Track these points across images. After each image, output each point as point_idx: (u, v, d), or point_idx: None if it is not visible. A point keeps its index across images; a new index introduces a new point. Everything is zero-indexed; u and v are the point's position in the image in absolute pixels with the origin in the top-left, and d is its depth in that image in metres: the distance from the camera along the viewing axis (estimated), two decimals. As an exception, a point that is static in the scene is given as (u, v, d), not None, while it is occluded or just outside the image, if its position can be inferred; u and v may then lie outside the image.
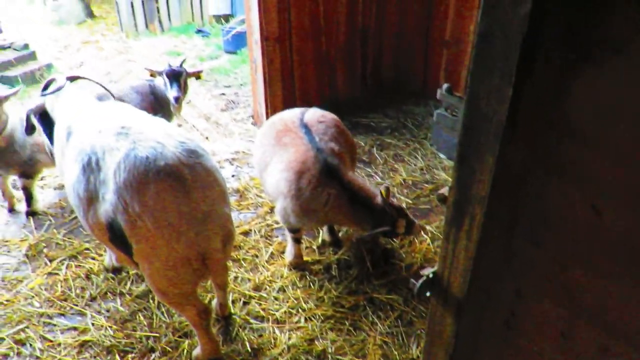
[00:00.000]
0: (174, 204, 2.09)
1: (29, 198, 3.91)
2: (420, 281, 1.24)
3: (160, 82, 4.22)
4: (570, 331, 1.19)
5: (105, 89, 3.40)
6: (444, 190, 3.52)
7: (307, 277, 3.26)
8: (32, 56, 8.14)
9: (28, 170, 3.81)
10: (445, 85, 4.54)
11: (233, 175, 4.46)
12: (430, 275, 1.27)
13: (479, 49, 0.91)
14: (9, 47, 8.03)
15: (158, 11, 10.39)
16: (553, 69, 0.89)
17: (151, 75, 4.27)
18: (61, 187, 4.29)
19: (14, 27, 10.18)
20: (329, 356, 2.70)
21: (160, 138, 2.20)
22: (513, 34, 0.84)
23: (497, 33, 0.85)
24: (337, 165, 2.87)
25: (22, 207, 3.99)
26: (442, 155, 4.76)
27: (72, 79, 3.15)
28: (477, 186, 1.04)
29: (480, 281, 1.22)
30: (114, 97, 3.42)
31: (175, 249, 2.13)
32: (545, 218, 1.09)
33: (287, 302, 3.06)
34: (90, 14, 11.40)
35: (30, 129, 3.08)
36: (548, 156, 0.98)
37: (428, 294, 1.31)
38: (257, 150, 3.25)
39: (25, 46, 8.18)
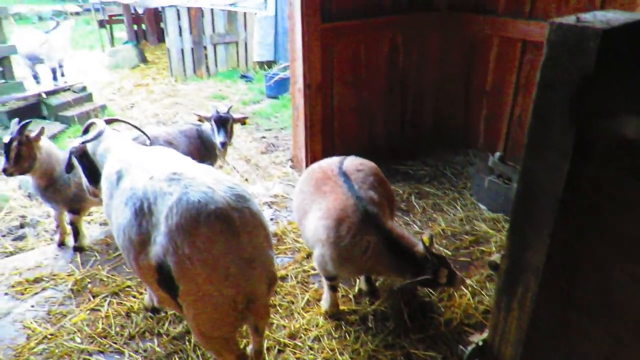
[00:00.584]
0: (223, 247, 2.15)
1: (76, 233, 4.09)
2: (470, 348, 1.21)
3: (207, 127, 4.41)
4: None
5: (142, 131, 3.58)
6: (495, 257, 3.47)
7: (343, 327, 3.20)
8: (88, 98, 8.71)
9: (74, 206, 4.02)
10: (497, 154, 4.60)
11: (271, 219, 4.52)
12: (480, 343, 1.24)
13: (535, 123, 0.92)
14: (69, 89, 8.64)
15: (206, 57, 10.99)
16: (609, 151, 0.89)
17: (199, 120, 4.48)
18: (107, 223, 4.47)
19: (74, 71, 10.98)
20: (364, 414, 2.61)
21: (211, 183, 2.29)
22: (570, 115, 0.85)
23: (556, 108, 0.87)
24: (377, 214, 2.88)
25: (71, 241, 4.17)
26: (482, 206, 4.68)
27: (109, 122, 3.35)
28: (532, 256, 1.03)
29: (533, 353, 1.18)
30: (149, 139, 3.60)
31: (222, 291, 2.17)
32: (603, 291, 1.06)
33: (322, 352, 3.00)
34: (144, 60, 12.18)
35: (69, 168, 3.29)
36: (607, 230, 0.96)
37: (477, 362, 1.27)
38: (297, 197, 3.31)
39: (83, 88, 8.79)
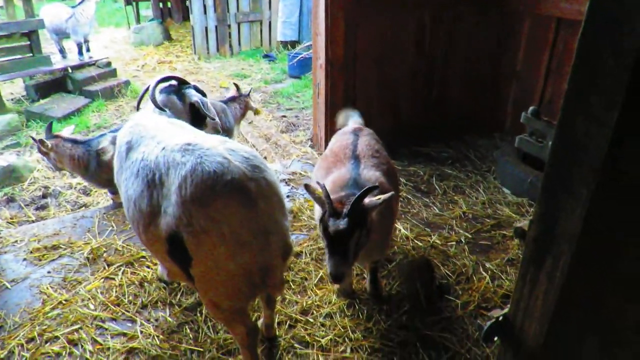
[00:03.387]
0: (239, 217, 2.09)
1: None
2: (489, 323, 1.12)
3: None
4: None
5: (199, 90, 3.54)
6: (524, 224, 3.23)
7: (356, 305, 3.13)
8: (112, 73, 8.77)
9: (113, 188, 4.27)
10: (531, 108, 4.22)
11: (288, 196, 4.46)
12: (500, 319, 1.13)
13: (580, 65, 0.80)
14: (94, 64, 8.71)
15: (229, 36, 10.91)
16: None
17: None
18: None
19: (100, 47, 11.07)
20: (375, 393, 2.55)
21: (226, 153, 2.22)
22: (624, 49, 0.73)
23: (605, 46, 0.75)
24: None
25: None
26: (506, 190, 4.51)
27: (165, 80, 3.41)
28: (566, 222, 0.92)
29: (560, 332, 1.07)
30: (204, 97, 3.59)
31: (238, 262, 2.13)
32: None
33: (334, 329, 2.94)
34: (168, 37, 12.19)
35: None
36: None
37: (496, 339, 1.17)
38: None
39: (108, 64, 8.84)
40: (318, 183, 2.51)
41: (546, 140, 4.05)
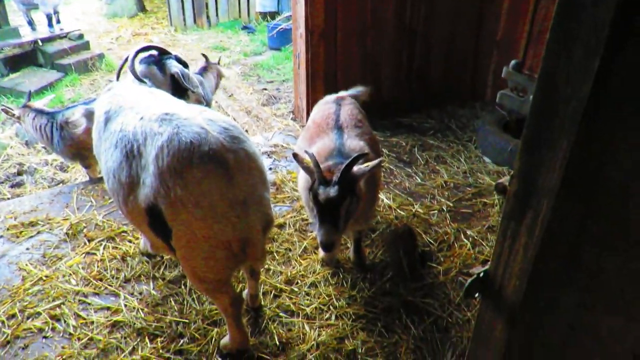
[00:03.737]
0: (217, 189, 2.06)
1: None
2: (470, 280, 1.13)
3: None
4: (644, 350, 1.05)
5: (180, 61, 3.44)
6: (504, 180, 3.22)
7: (340, 274, 3.17)
8: (85, 46, 8.46)
9: (83, 162, 4.32)
10: (513, 62, 4.14)
11: (270, 168, 4.43)
12: (481, 275, 1.15)
13: (561, 16, 0.79)
14: (65, 37, 8.38)
15: (206, 7, 10.59)
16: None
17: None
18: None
19: (71, 19, 10.63)
20: (359, 357, 2.60)
21: (204, 124, 2.18)
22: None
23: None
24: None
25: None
26: (487, 159, 4.56)
27: (144, 49, 3.31)
28: (546, 176, 0.93)
29: (539, 286, 1.10)
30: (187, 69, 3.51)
31: (216, 233, 2.11)
32: (624, 220, 0.96)
33: (319, 298, 2.98)
34: (142, 8, 11.76)
35: None
36: (637, 147, 0.85)
37: (477, 295, 1.20)
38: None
39: (80, 36, 8.52)
40: (306, 152, 2.49)
41: (527, 95, 3.99)
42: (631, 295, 1.01)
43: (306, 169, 2.50)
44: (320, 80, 5.04)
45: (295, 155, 2.54)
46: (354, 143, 2.79)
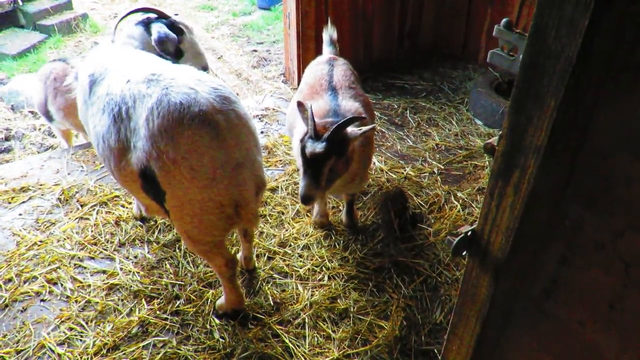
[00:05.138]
0: (208, 150, 2.06)
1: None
2: (458, 238, 1.16)
3: None
4: (621, 303, 1.09)
5: (174, 27, 3.30)
6: (493, 140, 3.24)
7: (332, 236, 3.22)
8: (68, 6, 8.16)
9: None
10: (504, 20, 4.12)
11: (262, 132, 4.40)
12: (469, 233, 1.18)
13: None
14: (46, -4, 8.04)
15: (193, -37, 10.17)
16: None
17: None
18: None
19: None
20: (351, 315, 2.69)
21: (193, 84, 2.14)
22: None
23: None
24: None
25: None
26: (478, 122, 4.56)
27: (135, 11, 3.25)
28: (533, 135, 0.94)
29: (524, 243, 1.13)
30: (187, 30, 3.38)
31: (209, 195, 2.12)
32: (606, 178, 0.98)
33: (311, 260, 3.04)
34: (126, -35, 11.26)
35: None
36: (622, 106, 0.86)
37: (465, 253, 1.23)
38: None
39: (62, -5, 8.18)
40: (304, 104, 2.49)
41: (518, 54, 4.01)
42: (610, 250, 1.05)
43: (305, 119, 2.50)
44: (312, 40, 4.94)
45: (299, 104, 2.54)
46: (349, 104, 2.78)
